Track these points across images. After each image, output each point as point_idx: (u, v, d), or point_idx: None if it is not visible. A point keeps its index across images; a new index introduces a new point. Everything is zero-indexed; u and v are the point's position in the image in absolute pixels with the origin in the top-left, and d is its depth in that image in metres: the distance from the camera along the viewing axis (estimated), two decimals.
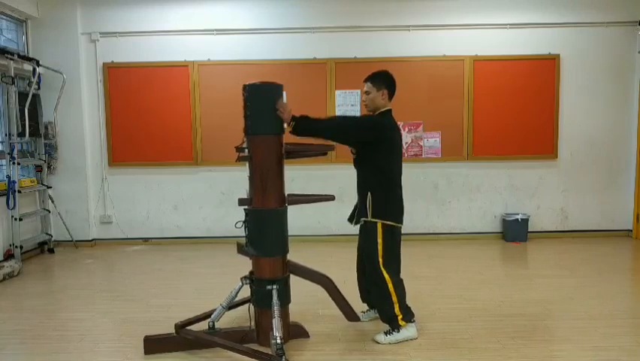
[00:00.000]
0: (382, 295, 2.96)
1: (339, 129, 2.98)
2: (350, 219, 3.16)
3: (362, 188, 3.04)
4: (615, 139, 5.85)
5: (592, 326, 3.21)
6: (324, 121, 3.10)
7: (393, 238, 3.01)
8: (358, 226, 3.08)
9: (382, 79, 3.09)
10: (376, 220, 2.93)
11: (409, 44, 5.73)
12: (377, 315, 3.20)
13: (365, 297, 3.30)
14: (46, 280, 4.62)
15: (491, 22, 5.71)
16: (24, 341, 3.13)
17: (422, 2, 5.70)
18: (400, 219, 3.03)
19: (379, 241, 2.94)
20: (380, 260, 2.95)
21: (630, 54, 5.75)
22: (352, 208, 3.16)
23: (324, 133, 2.96)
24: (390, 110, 3.11)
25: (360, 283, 3.28)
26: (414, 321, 3.04)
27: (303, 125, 2.83)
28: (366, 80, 3.13)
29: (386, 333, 2.99)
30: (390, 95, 3.12)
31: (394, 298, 2.94)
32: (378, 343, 2.97)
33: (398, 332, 2.98)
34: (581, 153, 5.87)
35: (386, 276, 2.93)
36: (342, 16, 5.70)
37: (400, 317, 2.96)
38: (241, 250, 2.97)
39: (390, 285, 2.93)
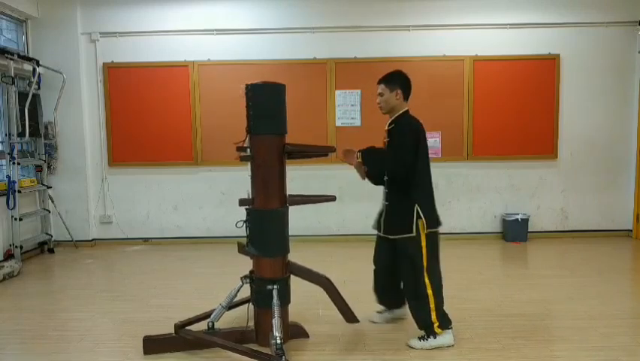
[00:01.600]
0: (420, 301, 2.89)
1: (395, 158, 2.88)
2: (378, 229, 3.09)
3: (399, 197, 2.95)
4: (615, 139, 5.86)
5: (592, 326, 3.21)
6: (382, 152, 3.03)
7: (436, 241, 2.94)
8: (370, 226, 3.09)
9: (396, 79, 2.99)
10: (421, 228, 2.86)
11: (409, 44, 5.73)
12: (392, 316, 3.20)
13: (383, 299, 3.26)
14: (46, 280, 4.62)
15: (491, 22, 5.71)
16: (24, 341, 3.13)
17: (422, 2, 5.70)
18: (439, 221, 2.97)
19: (424, 249, 2.87)
20: (425, 267, 2.87)
21: (630, 54, 5.75)
22: (379, 215, 3.10)
23: (385, 164, 2.94)
24: (408, 111, 3.02)
25: (380, 283, 3.22)
26: (451, 328, 2.94)
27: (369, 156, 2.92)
28: (379, 82, 3.03)
29: (420, 338, 2.91)
30: (406, 96, 3.01)
31: (432, 305, 2.86)
32: (413, 348, 2.89)
33: (434, 338, 2.89)
34: (581, 153, 5.87)
35: (427, 282, 2.86)
36: (342, 16, 5.70)
37: (436, 325, 2.88)
38: (242, 249, 2.97)
39: (430, 291, 2.86)
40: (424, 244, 2.87)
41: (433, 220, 2.92)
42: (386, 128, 3.07)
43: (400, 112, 3.00)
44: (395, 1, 5.69)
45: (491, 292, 3.91)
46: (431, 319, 2.87)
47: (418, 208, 2.86)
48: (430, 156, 3.13)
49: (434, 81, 5.73)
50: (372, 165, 2.95)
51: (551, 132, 5.80)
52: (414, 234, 2.86)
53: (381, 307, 3.32)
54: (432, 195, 2.98)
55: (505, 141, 5.79)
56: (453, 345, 2.91)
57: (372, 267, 3.26)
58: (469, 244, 5.68)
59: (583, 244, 5.60)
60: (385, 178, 3.01)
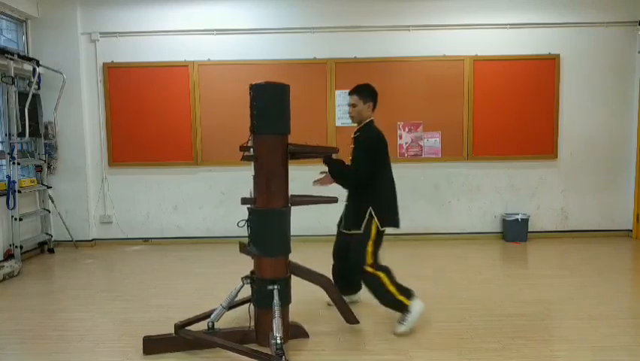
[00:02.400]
0: (379, 291, 3.08)
1: (355, 171, 3.16)
2: (339, 224, 3.44)
3: (356, 198, 3.23)
4: (615, 139, 5.86)
5: (592, 326, 3.21)
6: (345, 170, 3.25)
7: (381, 237, 3.17)
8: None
9: (369, 92, 3.25)
10: (373, 227, 3.13)
11: (409, 44, 5.73)
12: (348, 300, 3.41)
13: (337, 285, 3.42)
14: (46, 280, 4.62)
15: (491, 22, 5.71)
16: (24, 341, 3.13)
17: (422, 2, 5.70)
18: (396, 222, 3.27)
19: (370, 247, 3.11)
20: (369, 262, 3.10)
21: (630, 54, 5.75)
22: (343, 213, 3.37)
23: (347, 175, 3.20)
24: (372, 121, 3.27)
25: (335, 271, 3.50)
26: (414, 296, 3.11)
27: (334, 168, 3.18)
28: (352, 93, 3.26)
29: (400, 321, 3.07)
30: (374, 107, 3.29)
31: (391, 288, 3.05)
32: (401, 333, 3.05)
33: (410, 313, 3.05)
34: (581, 153, 5.87)
35: (377, 273, 3.08)
36: (342, 16, 5.70)
37: (404, 301, 3.05)
38: (244, 249, 2.97)
39: (383, 279, 3.06)
40: (371, 242, 3.11)
41: (388, 220, 3.18)
42: (352, 136, 3.29)
43: (366, 122, 3.25)
44: (395, 1, 5.69)
45: (491, 292, 3.91)
46: (398, 299, 3.05)
47: (372, 209, 3.11)
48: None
49: (434, 81, 5.73)
50: (339, 178, 3.20)
51: (551, 132, 5.80)
52: (361, 231, 3.11)
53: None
54: (392, 197, 3.26)
55: (505, 141, 5.79)
56: (424, 308, 3.09)
57: None
58: (469, 244, 5.68)
59: (583, 244, 5.61)
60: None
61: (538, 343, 2.97)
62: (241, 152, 2.89)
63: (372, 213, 3.11)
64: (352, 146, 3.27)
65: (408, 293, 3.09)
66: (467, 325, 3.25)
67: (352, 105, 3.24)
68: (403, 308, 3.06)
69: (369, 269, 3.09)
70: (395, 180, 3.30)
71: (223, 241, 5.68)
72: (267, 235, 2.83)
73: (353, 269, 3.20)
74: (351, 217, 3.23)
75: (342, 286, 3.41)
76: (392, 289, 3.05)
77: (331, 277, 3.36)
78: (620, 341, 2.97)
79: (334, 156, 3.24)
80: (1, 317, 3.53)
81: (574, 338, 3.03)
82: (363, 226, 3.11)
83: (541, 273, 4.48)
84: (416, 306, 3.06)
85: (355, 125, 3.33)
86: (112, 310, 3.65)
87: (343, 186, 3.25)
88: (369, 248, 3.10)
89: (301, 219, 5.34)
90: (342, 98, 5.71)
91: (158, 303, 3.77)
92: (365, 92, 3.22)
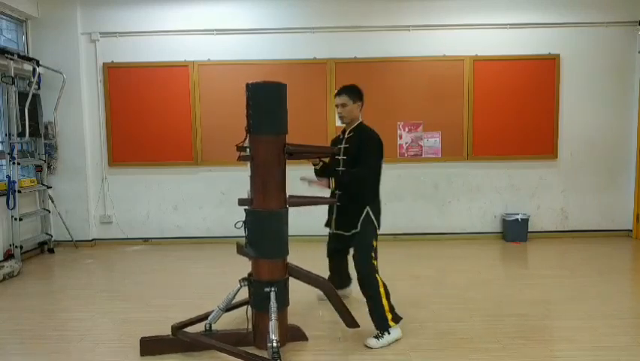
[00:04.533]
0: (374, 300, 3.02)
1: (369, 172, 3.13)
2: (329, 225, 3.40)
3: (358, 197, 3.15)
4: (615, 139, 5.85)
5: (592, 326, 3.21)
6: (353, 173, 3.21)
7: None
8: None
9: (357, 92, 3.27)
10: (372, 227, 3.11)
11: (409, 44, 5.72)
12: (345, 293, 3.59)
13: (331, 279, 3.50)
14: (46, 280, 4.62)
15: (491, 22, 5.71)
16: (24, 341, 3.13)
17: (422, 2, 5.70)
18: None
19: (374, 244, 3.09)
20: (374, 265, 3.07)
21: (630, 54, 5.75)
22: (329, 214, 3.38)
23: (361, 179, 3.14)
24: (363, 122, 3.29)
25: (330, 267, 3.61)
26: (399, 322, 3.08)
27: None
28: (340, 93, 3.27)
29: (376, 337, 2.99)
30: (362, 107, 3.31)
31: (384, 302, 3.01)
32: (371, 348, 2.95)
33: (389, 334, 2.99)
34: (581, 153, 5.86)
35: (380, 280, 3.04)
36: (342, 16, 5.70)
37: (390, 318, 3.01)
38: (241, 250, 2.96)
39: (381, 289, 3.02)
40: (375, 243, 3.12)
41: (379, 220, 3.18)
42: (345, 136, 3.30)
43: (358, 122, 3.28)
44: (395, 1, 5.69)
45: (491, 292, 3.91)
46: (385, 315, 3.01)
47: (369, 209, 3.10)
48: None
49: (434, 81, 5.73)
50: (356, 185, 3.13)
51: (551, 132, 5.80)
52: (358, 229, 3.12)
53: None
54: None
55: (505, 141, 5.79)
56: (401, 337, 3.04)
57: None
58: (469, 244, 5.68)
59: (583, 244, 5.60)
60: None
61: (538, 343, 2.97)
62: (238, 152, 2.88)
63: (370, 212, 3.10)
64: (345, 146, 3.26)
65: (397, 316, 3.05)
66: (467, 325, 3.24)
67: (342, 105, 3.25)
68: (385, 325, 3.00)
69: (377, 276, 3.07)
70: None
71: (223, 241, 5.68)
72: (264, 237, 2.79)
73: (364, 278, 3.06)
74: (350, 218, 3.17)
75: (335, 280, 3.48)
76: (385, 302, 3.01)
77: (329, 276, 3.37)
78: (620, 341, 2.97)
79: (316, 161, 3.32)
80: (1, 317, 3.54)
81: (574, 338, 3.03)
82: (360, 224, 3.09)
83: (541, 273, 4.48)
84: (397, 331, 3.02)
85: (343, 125, 3.36)
86: (112, 310, 3.66)
87: (357, 189, 3.16)
88: (373, 247, 3.09)
89: (299, 219, 5.36)
90: None
91: (158, 303, 3.77)
92: (354, 92, 3.25)
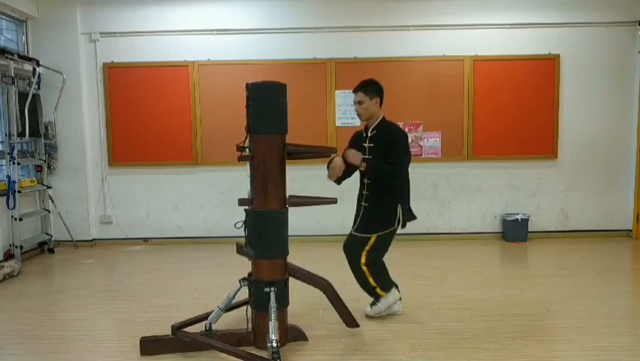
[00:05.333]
0: (359, 275, 3.25)
1: (402, 170, 3.12)
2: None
3: (385, 197, 3.16)
4: (615, 139, 5.85)
5: (592, 326, 3.21)
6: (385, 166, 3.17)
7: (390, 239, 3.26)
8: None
9: (374, 87, 3.19)
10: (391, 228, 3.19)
11: (409, 44, 5.72)
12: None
13: None
14: (46, 280, 4.62)
15: (491, 22, 5.71)
16: (24, 341, 3.13)
17: (422, 2, 5.70)
18: (413, 215, 3.32)
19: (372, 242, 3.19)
20: (365, 260, 3.20)
21: (630, 54, 5.75)
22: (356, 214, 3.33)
23: (393, 175, 3.11)
24: (385, 118, 3.23)
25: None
26: (394, 288, 3.28)
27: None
28: (357, 90, 3.19)
29: (371, 305, 3.27)
30: (381, 103, 3.22)
31: (368, 275, 3.19)
32: (369, 315, 3.25)
33: (379, 301, 3.24)
34: (581, 153, 5.86)
35: (365, 269, 3.21)
36: (342, 16, 5.70)
37: (377, 288, 3.21)
38: (241, 250, 2.96)
39: (366, 271, 3.21)
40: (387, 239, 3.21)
41: (410, 215, 3.24)
42: (368, 134, 3.22)
43: (380, 119, 3.20)
44: (395, 1, 5.69)
45: (491, 292, 3.91)
46: (370, 283, 3.20)
47: (399, 206, 3.14)
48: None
49: (434, 81, 5.73)
50: (385, 176, 3.08)
51: (551, 132, 5.80)
52: (396, 227, 3.18)
53: None
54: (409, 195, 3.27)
55: (505, 141, 5.79)
56: (399, 297, 3.32)
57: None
58: (469, 244, 5.68)
59: (583, 244, 5.60)
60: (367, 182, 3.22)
61: (538, 343, 2.97)
62: (238, 151, 2.88)
63: (399, 210, 3.12)
64: (368, 145, 3.19)
65: (385, 285, 3.25)
66: (467, 325, 3.24)
67: (358, 103, 3.16)
68: (373, 295, 3.23)
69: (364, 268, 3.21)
70: None
71: (223, 241, 5.68)
72: (264, 237, 2.79)
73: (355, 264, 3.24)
74: (378, 219, 3.17)
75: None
76: (371, 280, 3.20)
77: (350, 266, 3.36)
78: (620, 341, 2.97)
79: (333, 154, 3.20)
80: (1, 317, 3.54)
81: (574, 338, 3.03)
82: (392, 222, 3.14)
83: (541, 273, 4.48)
84: (390, 297, 3.24)
85: (363, 123, 3.28)
86: (112, 310, 3.66)
87: (381, 183, 3.12)
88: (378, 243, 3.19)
89: (300, 219, 5.37)
90: (342, 98, 5.72)
91: (158, 303, 3.77)
92: (370, 88, 3.16)
